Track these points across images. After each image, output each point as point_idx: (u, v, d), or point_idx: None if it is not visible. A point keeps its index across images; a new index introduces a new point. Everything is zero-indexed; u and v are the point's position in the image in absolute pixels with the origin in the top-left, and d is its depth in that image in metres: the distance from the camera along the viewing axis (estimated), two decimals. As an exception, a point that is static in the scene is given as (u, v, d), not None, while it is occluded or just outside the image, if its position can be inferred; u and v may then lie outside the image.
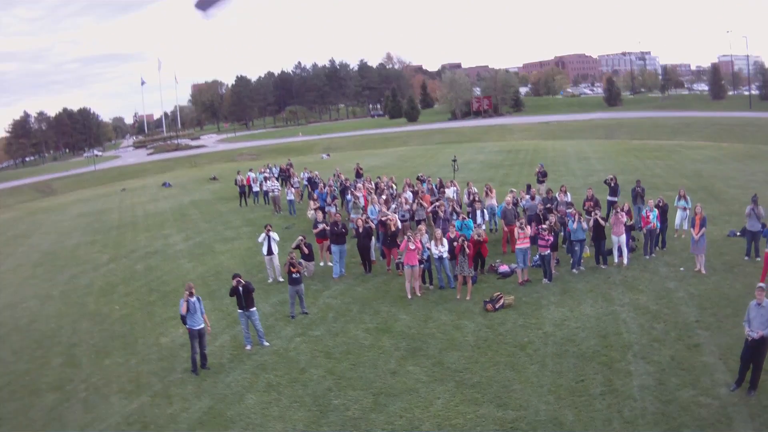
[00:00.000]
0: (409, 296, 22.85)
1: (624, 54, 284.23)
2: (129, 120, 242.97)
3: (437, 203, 28.76)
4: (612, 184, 31.92)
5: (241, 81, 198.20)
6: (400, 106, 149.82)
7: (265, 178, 46.55)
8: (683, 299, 20.58)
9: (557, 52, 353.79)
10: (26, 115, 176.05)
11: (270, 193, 43.55)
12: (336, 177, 42.89)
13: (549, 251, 23.13)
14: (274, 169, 55.79)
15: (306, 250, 25.22)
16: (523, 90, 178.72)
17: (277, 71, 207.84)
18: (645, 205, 27.38)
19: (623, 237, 24.41)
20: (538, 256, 24.23)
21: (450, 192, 32.65)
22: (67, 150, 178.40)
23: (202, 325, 18.42)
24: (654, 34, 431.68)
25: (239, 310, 19.63)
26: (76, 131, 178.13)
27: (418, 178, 38.15)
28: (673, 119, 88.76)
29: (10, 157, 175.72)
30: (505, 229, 27.60)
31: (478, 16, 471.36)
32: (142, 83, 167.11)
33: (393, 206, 29.73)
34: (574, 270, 24.27)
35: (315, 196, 36.74)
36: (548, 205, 27.92)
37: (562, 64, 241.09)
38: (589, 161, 55.93)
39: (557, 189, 30.23)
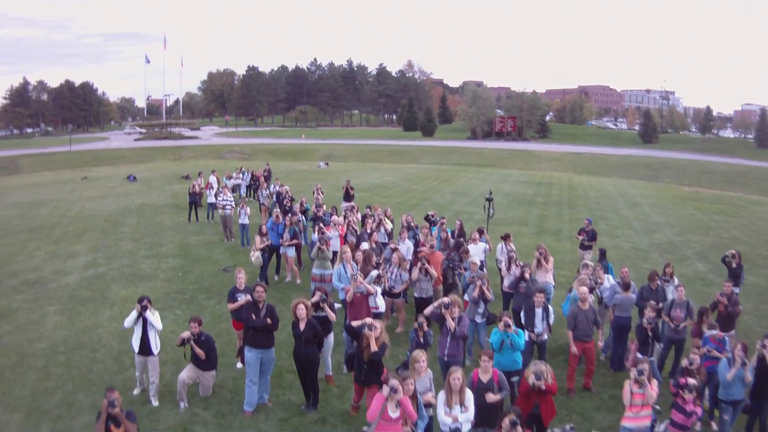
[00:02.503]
0: None
1: (648, 91, 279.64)
2: (142, 103, 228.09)
3: (445, 301, 13.38)
4: (734, 266, 19.39)
5: (252, 72, 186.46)
6: (416, 117, 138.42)
7: (228, 188, 34.78)
8: None
9: (580, 82, 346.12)
10: (25, 83, 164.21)
11: (220, 210, 31.03)
12: (315, 194, 31.32)
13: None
14: (245, 175, 43.95)
15: (201, 354, 13.37)
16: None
17: (291, 66, 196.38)
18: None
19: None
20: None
21: (477, 251, 19.95)
22: (69, 125, 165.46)
23: None
24: (677, 74, 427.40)
25: None
26: (76, 107, 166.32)
27: (426, 219, 25.32)
28: (722, 165, 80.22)
29: (6, 125, 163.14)
30: (573, 349, 14.47)
31: (503, 36, 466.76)
32: (147, 62, 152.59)
33: (375, 271, 16.69)
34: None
35: (264, 228, 22.90)
36: (651, 301, 15.02)
37: (586, 94, 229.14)
38: (642, 209, 45.05)
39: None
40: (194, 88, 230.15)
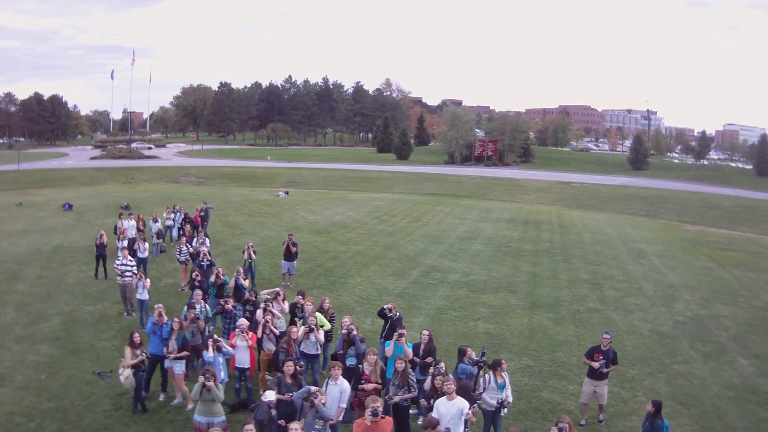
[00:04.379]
0: None
1: (629, 111, 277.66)
2: (118, 116, 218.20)
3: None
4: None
5: (224, 88, 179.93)
6: (391, 139, 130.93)
7: (147, 236, 28.00)
8: None
9: (561, 101, 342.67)
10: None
11: (118, 278, 23.26)
12: (245, 255, 24.56)
13: None
14: (178, 215, 36.65)
15: None
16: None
17: (265, 83, 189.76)
18: None
19: None
20: None
21: (450, 414, 11.73)
22: (33, 139, 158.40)
23: None
24: (658, 93, 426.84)
25: None
26: (44, 120, 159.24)
27: (382, 315, 17.19)
28: (725, 199, 74.59)
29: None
30: None
31: (483, 54, 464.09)
32: (112, 77, 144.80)
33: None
34: None
35: (138, 336, 15.35)
36: None
37: (567, 114, 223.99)
38: (650, 261, 37.66)
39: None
40: (164, 103, 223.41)
